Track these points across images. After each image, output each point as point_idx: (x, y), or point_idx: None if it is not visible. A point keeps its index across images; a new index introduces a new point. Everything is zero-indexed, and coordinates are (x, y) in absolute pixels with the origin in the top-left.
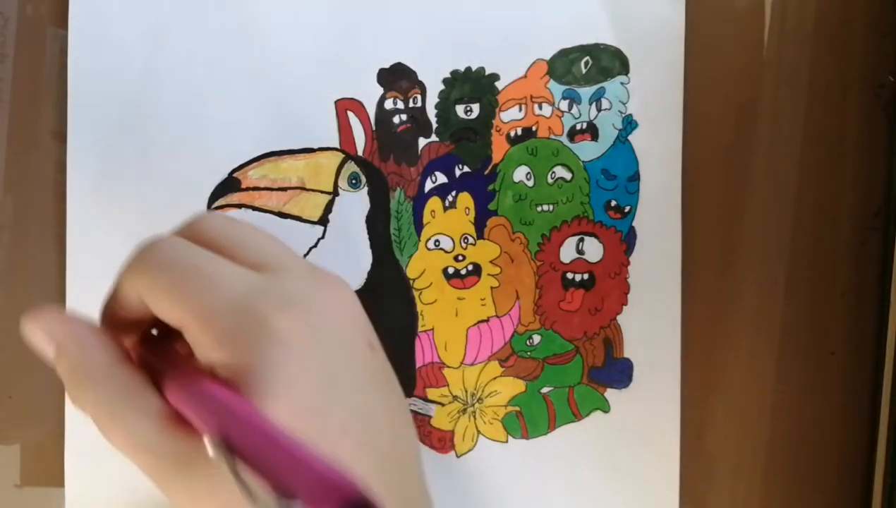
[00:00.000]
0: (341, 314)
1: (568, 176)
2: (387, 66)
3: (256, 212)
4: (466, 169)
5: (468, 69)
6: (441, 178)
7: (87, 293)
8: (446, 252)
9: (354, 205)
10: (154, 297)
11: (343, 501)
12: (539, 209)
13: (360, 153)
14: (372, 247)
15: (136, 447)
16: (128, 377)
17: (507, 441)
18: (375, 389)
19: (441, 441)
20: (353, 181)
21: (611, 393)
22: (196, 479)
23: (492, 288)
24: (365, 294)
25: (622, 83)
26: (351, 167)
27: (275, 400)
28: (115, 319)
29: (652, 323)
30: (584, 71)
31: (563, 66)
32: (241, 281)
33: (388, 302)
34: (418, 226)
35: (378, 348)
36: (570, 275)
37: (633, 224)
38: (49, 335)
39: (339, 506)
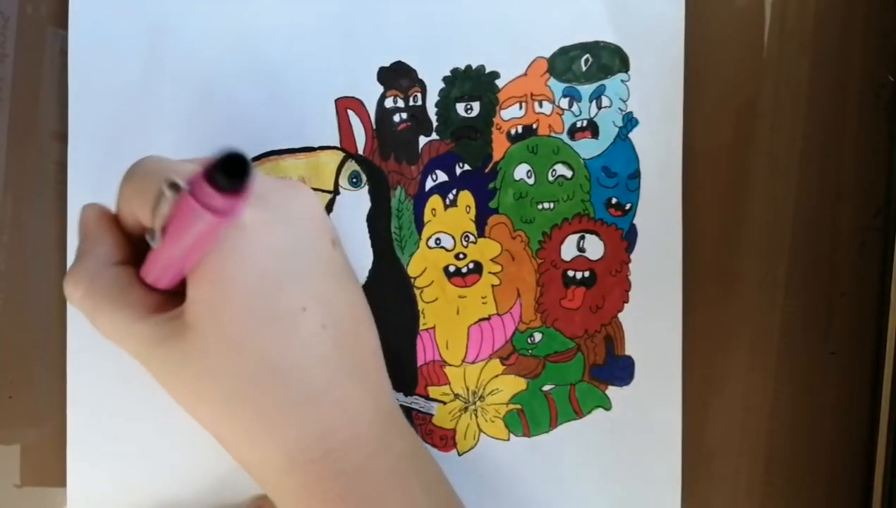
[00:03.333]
0: (303, 208)
1: (568, 173)
2: (387, 64)
3: None
4: (467, 167)
5: (468, 67)
6: (442, 177)
7: None
8: (447, 250)
9: (355, 203)
10: (137, 203)
11: (209, 165)
12: (540, 207)
13: (360, 152)
14: (373, 245)
15: (118, 335)
16: (113, 276)
17: (508, 440)
18: (335, 279)
19: (443, 439)
20: (354, 180)
21: (612, 391)
22: (172, 353)
23: (493, 286)
24: (366, 292)
25: (622, 80)
26: (351, 166)
27: (236, 273)
28: (125, 228)
29: (653, 321)
30: (584, 68)
31: (564, 63)
32: None
33: (390, 300)
34: (419, 224)
35: (339, 246)
36: (570, 273)
37: (634, 221)
38: (82, 226)
39: (208, 168)
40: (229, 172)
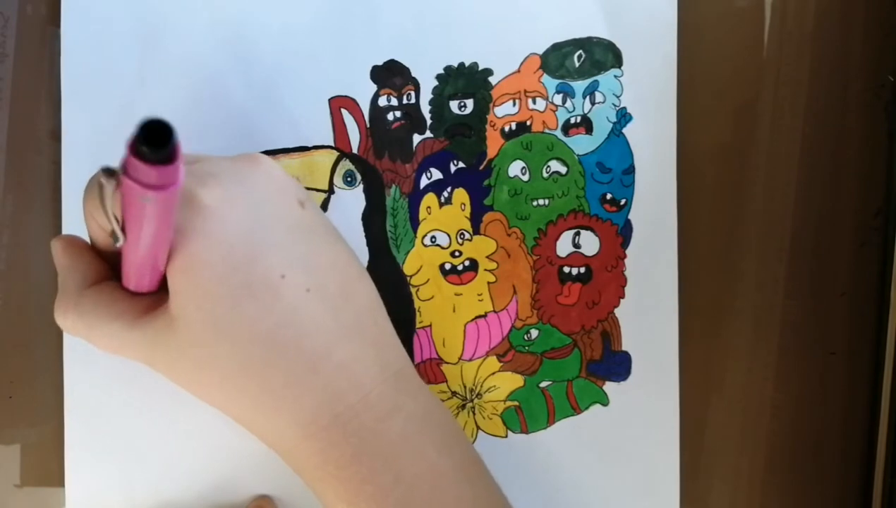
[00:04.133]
0: (261, 177)
1: (563, 170)
2: (380, 63)
3: None
4: (461, 164)
5: (461, 64)
6: (436, 174)
7: None
8: (443, 248)
9: (350, 202)
10: (98, 216)
11: (131, 140)
12: (535, 203)
13: (354, 151)
14: (368, 244)
15: (117, 346)
16: (95, 295)
17: (506, 436)
18: (310, 240)
19: None
20: (349, 179)
21: (609, 387)
22: (168, 348)
23: (489, 283)
24: None
25: (615, 76)
26: (346, 165)
27: (203, 255)
28: (98, 246)
29: (649, 316)
30: (577, 64)
31: (557, 59)
32: None
33: (386, 298)
34: (414, 222)
35: (311, 205)
36: (566, 269)
37: (629, 217)
38: (54, 258)
39: (131, 143)
40: (153, 142)
